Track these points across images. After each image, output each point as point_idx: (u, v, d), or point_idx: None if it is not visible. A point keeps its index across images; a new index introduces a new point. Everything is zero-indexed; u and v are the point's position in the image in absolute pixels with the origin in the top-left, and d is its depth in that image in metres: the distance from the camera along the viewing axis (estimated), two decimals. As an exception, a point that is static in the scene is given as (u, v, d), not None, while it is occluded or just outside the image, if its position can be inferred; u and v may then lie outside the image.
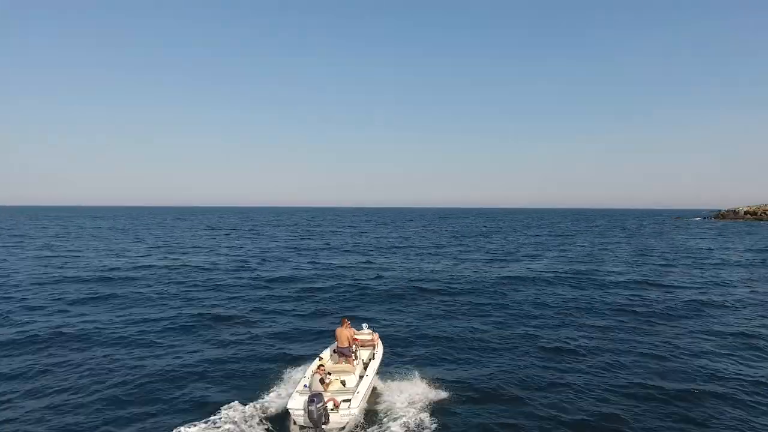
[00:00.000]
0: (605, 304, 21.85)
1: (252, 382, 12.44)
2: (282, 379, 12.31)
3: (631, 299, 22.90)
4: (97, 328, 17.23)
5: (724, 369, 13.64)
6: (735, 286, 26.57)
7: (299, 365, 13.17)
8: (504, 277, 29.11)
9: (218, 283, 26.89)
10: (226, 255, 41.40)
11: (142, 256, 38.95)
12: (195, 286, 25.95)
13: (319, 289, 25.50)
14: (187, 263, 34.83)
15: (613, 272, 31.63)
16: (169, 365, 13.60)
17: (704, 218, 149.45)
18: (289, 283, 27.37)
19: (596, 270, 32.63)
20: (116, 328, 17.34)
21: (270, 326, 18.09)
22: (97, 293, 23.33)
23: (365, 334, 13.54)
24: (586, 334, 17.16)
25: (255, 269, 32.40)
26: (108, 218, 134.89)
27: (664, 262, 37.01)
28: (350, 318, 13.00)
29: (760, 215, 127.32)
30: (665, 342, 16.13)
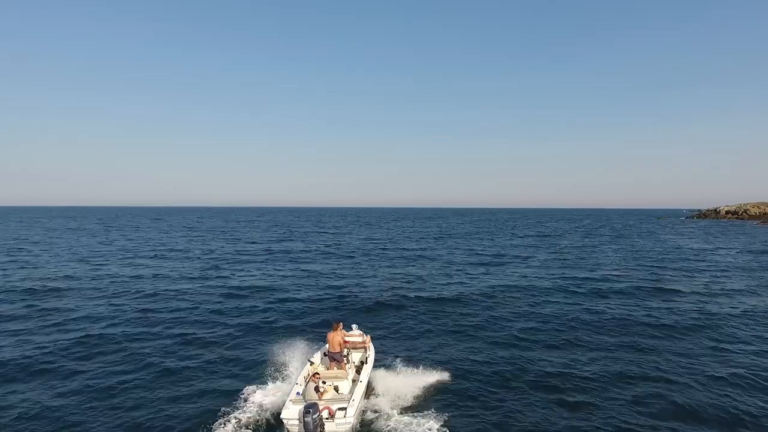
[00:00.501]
0: (606, 316, 19.85)
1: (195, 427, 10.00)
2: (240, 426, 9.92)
3: (633, 310, 20.93)
4: (18, 353, 14.53)
5: (754, 403, 11.61)
6: (741, 293, 24.85)
7: (260, 401, 10.88)
8: (494, 285, 26.95)
9: (180, 291, 24.21)
10: (198, 258, 38.67)
11: (103, 262, 35.92)
12: (152, 295, 23.26)
13: (294, 299, 23.04)
14: (150, 268, 32.01)
15: (610, 277, 29.78)
16: (92, 405, 11.07)
17: (687, 218, 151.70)
18: (260, 291, 24.82)
19: (591, 275, 30.78)
20: (43, 352, 14.62)
21: (231, 347, 15.57)
22: (34, 307, 20.46)
23: (356, 335, 12.76)
24: (591, 355, 15.04)
25: (224, 275, 29.76)
26: (81, 218, 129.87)
27: (660, 266, 35.35)
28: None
29: (741, 214, 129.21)
30: (680, 365, 14.07)
